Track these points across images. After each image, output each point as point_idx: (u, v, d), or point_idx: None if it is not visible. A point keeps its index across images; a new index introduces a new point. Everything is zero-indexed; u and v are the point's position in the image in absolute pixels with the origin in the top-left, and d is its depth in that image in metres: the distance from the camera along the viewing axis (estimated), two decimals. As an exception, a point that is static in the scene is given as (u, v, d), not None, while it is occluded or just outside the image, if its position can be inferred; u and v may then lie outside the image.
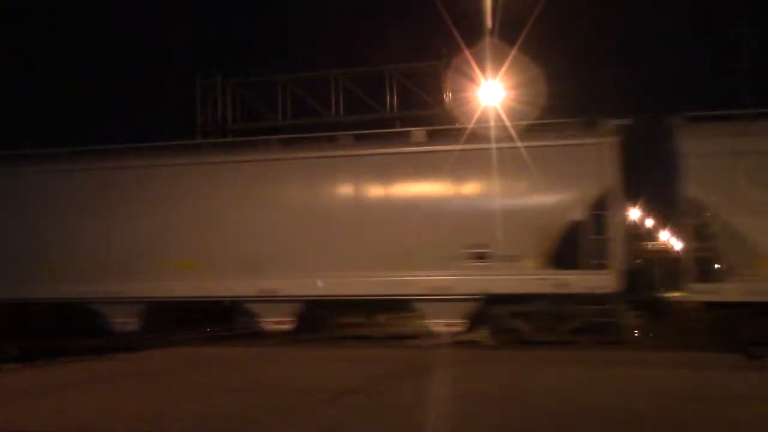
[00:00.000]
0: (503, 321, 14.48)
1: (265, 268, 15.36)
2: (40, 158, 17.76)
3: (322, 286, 15.06)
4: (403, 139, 15.92)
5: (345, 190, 15.65)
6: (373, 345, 15.58)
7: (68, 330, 16.92)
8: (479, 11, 16.76)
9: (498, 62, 17.27)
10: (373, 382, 9.44)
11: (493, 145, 14.49)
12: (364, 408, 7.66)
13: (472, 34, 17.98)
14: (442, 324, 14.68)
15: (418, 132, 15.80)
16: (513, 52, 17.34)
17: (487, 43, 16.95)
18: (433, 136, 15.63)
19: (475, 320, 14.78)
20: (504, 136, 14.63)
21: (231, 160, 16.49)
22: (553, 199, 14.40)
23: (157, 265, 15.89)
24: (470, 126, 15.58)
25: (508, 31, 17.67)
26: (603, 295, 13.73)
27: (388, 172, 15.38)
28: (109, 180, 16.79)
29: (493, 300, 14.35)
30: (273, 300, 15.37)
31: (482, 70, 17.37)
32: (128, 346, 14.52)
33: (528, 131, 14.82)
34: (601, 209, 14.01)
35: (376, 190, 15.52)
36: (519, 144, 14.35)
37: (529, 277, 14.04)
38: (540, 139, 14.64)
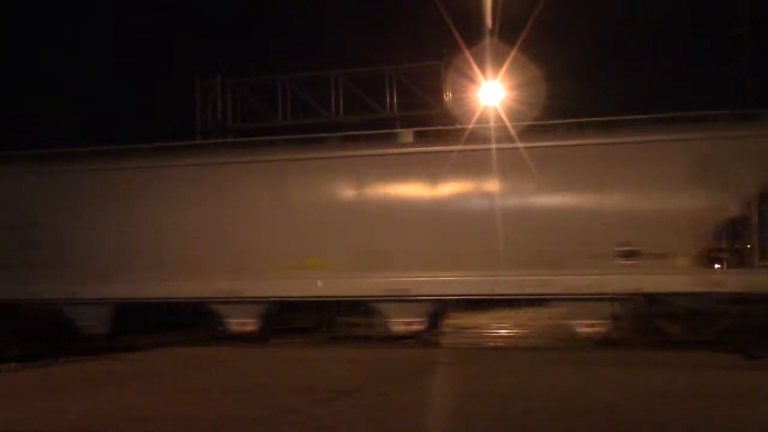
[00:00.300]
0: (648, 321, 13.91)
1: (396, 268, 14.67)
2: (146, 153, 16.70)
3: (455, 285, 14.43)
4: (549, 132, 14.85)
5: (479, 186, 14.70)
6: (373, 345, 15.56)
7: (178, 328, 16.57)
8: (479, 11, 16.81)
9: (498, 62, 17.30)
10: (373, 382, 9.44)
11: (645, 138, 13.97)
12: (364, 408, 7.66)
13: (472, 34, 18.02)
14: (584, 324, 14.10)
15: (564, 125, 14.82)
16: (513, 52, 17.38)
17: (487, 43, 16.98)
18: (578, 130, 14.65)
19: (618, 320, 14.09)
20: (656, 129, 14.05)
21: (357, 155, 15.46)
22: (710, 194, 13.66)
23: (282, 264, 15.12)
24: (619, 118, 14.72)
25: (508, 31, 17.71)
26: (761, 295, 13.08)
27: (529, 167, 14.30)
28: (232, 175, 15.83)
29: (637, 299, 13.77)
30: (403, 300, 14.70)
31: (482, 70, 17.40)
32: (128, 346, 14.51)
33: (680, 124, 14.16)
34: (762, 205, 13.44)
35: (513, 186, 14.56)
36: (673, 137, 13.82)
37: (683, 276, 13.44)
38: (696, 131, 13.95)
